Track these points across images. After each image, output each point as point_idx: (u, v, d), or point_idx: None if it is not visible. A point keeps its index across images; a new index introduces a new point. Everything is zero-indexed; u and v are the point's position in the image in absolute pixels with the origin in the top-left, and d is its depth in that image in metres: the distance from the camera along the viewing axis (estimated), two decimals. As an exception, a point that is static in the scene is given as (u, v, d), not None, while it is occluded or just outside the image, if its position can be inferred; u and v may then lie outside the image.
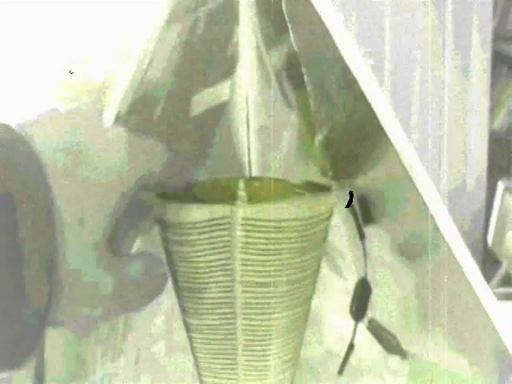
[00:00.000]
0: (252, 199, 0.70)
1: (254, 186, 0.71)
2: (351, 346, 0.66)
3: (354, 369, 0.66)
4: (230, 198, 0.70)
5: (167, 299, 0.67)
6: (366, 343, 0.65)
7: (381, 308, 0.64)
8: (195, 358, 0.62)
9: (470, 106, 1.82)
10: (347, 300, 0.66)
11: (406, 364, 0.63)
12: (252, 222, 0.56)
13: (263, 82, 0.75)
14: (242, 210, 0.56)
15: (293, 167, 0.75)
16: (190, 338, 0.61)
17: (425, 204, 0.56)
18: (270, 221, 0.56)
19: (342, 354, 0.67)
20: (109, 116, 0.63)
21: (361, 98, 0.57)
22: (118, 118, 0.63)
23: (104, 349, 0.66)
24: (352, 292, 0.65)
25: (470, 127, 1.82)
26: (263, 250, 0.57)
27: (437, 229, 0.56)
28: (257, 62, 0.74)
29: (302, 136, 0.73)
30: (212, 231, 0.57)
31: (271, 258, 0.57)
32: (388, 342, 0.63)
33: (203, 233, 0.57)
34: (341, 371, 0.66)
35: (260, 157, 0.78)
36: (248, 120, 0.78)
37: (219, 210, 0.56)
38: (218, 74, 0.76)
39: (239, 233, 0.56)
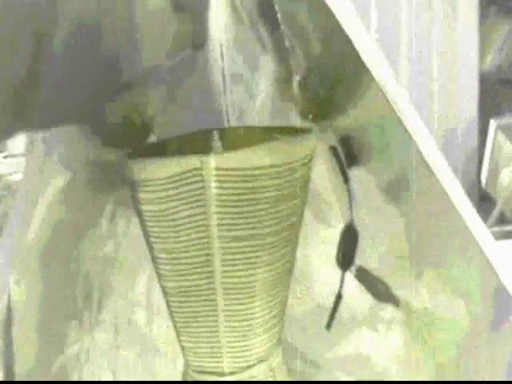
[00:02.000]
0: (232, 148, 0.66)
1: (230, 137, 0.67)
2: (339, 297, 0.62)
3: (345, 321, 0.63)
4: (205, 150, 0.66)
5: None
6: (356, 293, 0.61)
7: (369, 254, 0.60)
8: (174, 323, 0.58)
9: (459, 47, 1.77)
10: (335, 248, 0.63)
11: (399, 312, 0.59)
12: (225, 172, 0.52)
13: (236, 25, 0.70)
14: (214, 160, 0.51)
15: (272, 113, 0.71)
16: (168, 303, 0.58)
17: (410, 137, 0.52)
18: (244, 169, 0.52)
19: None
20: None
21: (339, 32, 0.52)
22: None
23: (78, 321, 0.62)
24: (338, 239, 0.62)
25: (460, 68, 1.77)
26: (239, 200, 0.52)
27: (424, 163, 0.51)
28: (228, 6, 0.69)
29: (279, 79, 0.68)
30: (183, 185, 0.53)
31: (248, 208, 0.53)
32: (378, 290, 0.60)
33: (173, 188, 0.53)
34: (329, 325, 0.62)
35: (237, 104, 0.74)
36: (223, 67, 0.73)
37: (189, 162, 0.52)
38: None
39: (213, 184, 0.52)
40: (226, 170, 0.52)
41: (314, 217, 0.63)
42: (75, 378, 0.65)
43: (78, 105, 0.58)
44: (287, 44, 0.63)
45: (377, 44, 0.53)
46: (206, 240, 0.53)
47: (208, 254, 0.54)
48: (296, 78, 0.63)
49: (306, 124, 0.64)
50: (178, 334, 0.58)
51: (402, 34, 1.66)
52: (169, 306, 0.58)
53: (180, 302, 0.57)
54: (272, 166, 0.53)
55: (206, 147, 0.66)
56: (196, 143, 0.66)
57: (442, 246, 0.52)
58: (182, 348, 0.58)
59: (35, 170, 0.56)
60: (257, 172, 0.52)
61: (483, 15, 1.80)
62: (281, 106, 0.70)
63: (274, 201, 0.54)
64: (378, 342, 0.63)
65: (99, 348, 0.65)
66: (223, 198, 0.52)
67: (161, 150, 0.63)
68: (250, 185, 0.52)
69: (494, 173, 1.46)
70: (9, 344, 0.53)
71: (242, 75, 0.73)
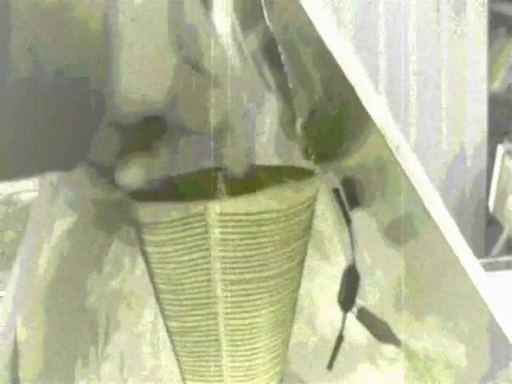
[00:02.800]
0: (235, 190, 0.67)
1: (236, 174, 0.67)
2: (340, 339, 0.63)
3: (348, 358, 0.64)
4: (210, 190, 0.67)
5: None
6: (359, 332, 0.62)
7: (370, 295, 0.61)
8: (178, 361, 0.59)
9: (468, 69, 1.78)
10: (337, 286, 0.63)
11: (400, 351, 0.60)
12: (229, 218, 0.53)
13: (240, 63, 0.72)
14: (218, 206, 0.53)
15: (276, 150, 0.72)
16: (172, 341, 0.59)
17: (412, 185, 0.53)
18: (247, 214, 0.53)
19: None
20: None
21: (340, 77, 0.54)
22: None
23: (84, 357, 0.63)
24: (340, 279, 0.62)
25: (469, 91, 1.78)
26: (242, 245, 0.54)
27: (425, 210, 0.52)
28: (232, 44, 0.71)
29: (283, 119, 0.69)
30: (187, 229, 0.54)
31: (252, 253, 0.54)
32: (379, 330, 0.60)
33: (177, 232, 0.54)
34: (330, 365, 0.63)
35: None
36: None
37: (193, 207, 0.53)
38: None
39: (216, 229, 0.53)
40: (230, 215, 0.53)
41: (318, 254, 0.64)
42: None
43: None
44: (291, 86, 0.65)
45: (380, 94, 0.54)
46: (209, 283, 0.55)
47: (211, 297, 0.55)
48: (299, 120, 0.64)
49: (309, 164, 0.65)
50: (182, 373, 0.59)
51: (410, 60, 1.67)
52: (173, 345, 0.59)
53: (184, 341, 0.58)
54: (275, 211, 0.54)
55: (211, 188, 0.67)
56: (201, 182, 0.67)
57: (441, 290, 0.53)
58: None
59: (42, 212, 0.58)
60: (260, 217, 0.53)
61: (492, 36, 1.81)
62: (285, 143, 0.71)
63: (277, 244, 0.55)
64: (380, 379, 0.64)
65: (104, 382, 0.66)
66: (226, 242, 0.53)
67: (167, 189, 0.64)
68: (253, 229, 0.53)
69: (502, 198, 1.47)
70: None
71: (247, 113, 0.74)
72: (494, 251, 1.46)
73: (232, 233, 0.53)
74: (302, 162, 0.67)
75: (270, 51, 0.66)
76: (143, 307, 0.71)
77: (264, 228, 0.54)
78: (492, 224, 1.55)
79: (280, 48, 0.65)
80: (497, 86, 1.90)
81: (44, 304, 0.58)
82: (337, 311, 0.63)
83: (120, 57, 0.55)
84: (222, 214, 0.53)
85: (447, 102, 1.74)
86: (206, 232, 0.53)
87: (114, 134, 0.58)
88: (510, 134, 1.75)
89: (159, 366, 0.68)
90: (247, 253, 0.54)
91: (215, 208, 0.53)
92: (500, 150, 1.48)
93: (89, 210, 0.63)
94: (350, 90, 0.54)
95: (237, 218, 0.53)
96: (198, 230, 0.54)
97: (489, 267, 1.14)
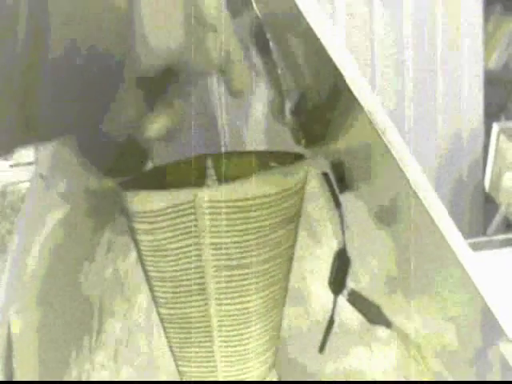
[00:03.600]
0: (226, 176, 0.67)
1: (224, 163, 0.68)
2: (331, 322, 0.63)
3: (340, 340, 0.64)
4: (200, 177, 0.67)
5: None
6: (350, 314, 0.62)
7: (361, 278, 0.61)
8: (171, 348, 0.60)
9: (464, 47, 1.77)
10: (328, 269, 0.64)
11: (392, 333, 0.60)
12: (218, 205, 0.53)
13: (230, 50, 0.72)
14: (207, 193, 0.53)
15: (266, 137, 0.72)
16: (164, 329, 0.59)
17: (399, 168, 0.53)
18: (236, 201, 0.53)
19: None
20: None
21: (328, 63, 0.54)
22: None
23: (78, 346, 0.64)
24: (330, 263, 0.63)
25: (464, 70, 1.77)
26: (233, 231, 0.54)
27: (413, 193, 0.52)
28: (225, 33, 0.70)
29: (272, 104, 0.69)
30: (177, 217, 0.54)
31: (242, 238, 0.54)
32: (371, 313, 0.61)
33: (168, 219, 0.54)
34: (322, 349, 0.64)
35: (233, 128, 0.75)
36: (219, 91, 0.74)
37: (182, 195, 0.53)
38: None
39: (206, 217, 0.53)
40: (219, 202, 0.53)
41: (308, 237, 0.64)
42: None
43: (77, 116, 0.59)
44: (279, 71, 0.65)
45: (361, 73, 0.54)
46: (199, 269, 0.55)
47: (202, 283, 0.55)
48: (288, 105, 0.64)
49: (300, 149, 0.65)
50: (175, 359, 0.60)
51: (405, 37, 1.66)
52: (166, 332, 0.60)
53: (176, 328, 0.59)
54: (264, 197, 0.54)
55: (201, 174, 0.67)
56: (192, 170, 0.67)
57: (431, 272, 0.53)
58: (179, 372, 0.60)
59: (34, 204, 0.58)
60: (249, 203, 0.53)
61: (488, 13, 1.80)
62: (275, 128, 0.71)
63: (267, 229, 0.55)
64: (373, 360, 0.64)
65: (98, 369, 0.67)
66: (216, 228, 0.54)
67: (158, 178, 0.64)
68: (242, 215, 0.54)
69: (497, 176, 1.47)
70: (9, 376, 0.55)
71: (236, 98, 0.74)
72: (490, 230, 1.46)
73: (222, 219, 0.53)
74: (292, 147, 0.67)
75: (258, 37, 0.66)
76: (137, 294, 0.71)
77: (253, 214, 0.54)
78: (490, 202, 1.55)
79: (268, 34, 0.65)
80: (492, 64, 1.89)
81: (37, 295, 0.58)
82: (328, 294, 0.64)
83: (141, 14, 0.59)
84: (211, 201, 0.53)
85: (443, 82, 1.74)
86: (196, 220, 0.53)
87: (138, 90, 0.63)
88: (505, 112, 1.75)
89: (154, 353, 0.69)
90: (237, 239, 0.54)
91: (204, 196, 0.53)
92: (495, 128, 1.47)
93: (82, 200, 0.63)
94: (338, 74, 0.54)
95: (226, 204, 0.53)
96: (188, 218, 0.54)
97: (484, 246, 1.14)
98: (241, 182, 0.53)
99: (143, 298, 0.70)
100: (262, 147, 0.71)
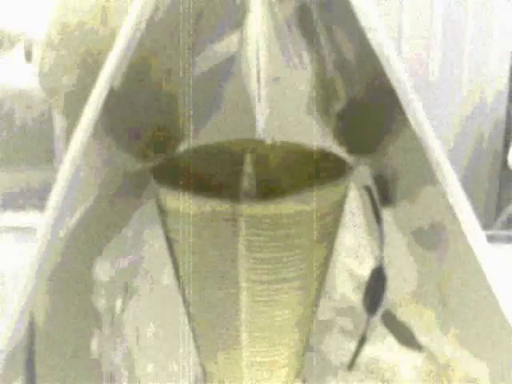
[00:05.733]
0: (262, 166, 0.65)
1: (265, 151, 0.65)
2: (363, 340, 0.62)
3: (368, 360, 0.63)
4: (237, 164, 0.65)
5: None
6: (380, 333, 0.62)
7: (396, 298, 0.60)
8: (197, 347, 0.59)
9: (492, 15, 1.72)
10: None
11: (420, 358, 0.60)
12: (256, 220, 0.51)
13: (274, 34, 0.68)
14: (245, 207, 0.51)
15: (305, 127, 0.69)
16: (192, 328, 0.59)
17: (444, 193, 0.51)
18: (274, 217, 0.52)
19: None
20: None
21: (380, 73, 0.51)
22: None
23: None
24: (366, 281, 0.61)
25: (492, 41, 1.73)
26: (267, 247, 0.52)
27: (455, 221, 0.50)
28: (268, 14, 0.67)
29: (315, 98, 0.67)
30: (214, 226, 0.53)
31: (276, 255, 0.53)
32: (403, 335, 0.60)
33: (204, 226, 0.53)
34: (351, 366, 0.63)
35: (271, 113, 0.72)
36: (259, 75, 0.71)
37: (221, 205, 0.52)
38: (227, 26, 0.69)
39: (243, 230, 0.52)
40: (257, 217, 0.51)
41: (344, 252, 0.63)
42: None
43: None
44: (327, 71, 0.62)
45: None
46: (233, 280, 0.54)
47: (234, 293, 0.54)
48: (335, 107, 0.61)
49: (341, 151, 0.62)
50: (202, 359, 0.60)
51: (434, 15, 1.62)
52: (193, 331, 0.59)
53: (204, 329, 0.58)
54: (303, 214, 0.52)
55: (240, 161, 0.65)
56: (228, 157, 0.65)
57: (469, 306, 0.52)
58: (205, 373, 0.60)
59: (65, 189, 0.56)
60: (287, 220, 0.52)
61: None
62: (315, 122, 0.68)
63: (304, 246, 0.54)
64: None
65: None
66: (252, 242, 0.52)
67: (190, 162, 0.62)
68: (279, 232, 0.52)
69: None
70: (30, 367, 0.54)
71: (279, 78, 0.71)
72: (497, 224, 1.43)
73: (258, 234, 0.52)
74: (327, 145, 0.64)
75: (304, 24, 0.63)
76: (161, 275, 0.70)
77: (291, 231, 0.52)
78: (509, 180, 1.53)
79: (316, 24, 0.61)
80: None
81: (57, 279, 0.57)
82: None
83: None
84: (249, 215, 0.51)
85: (469, 52, 1.69)
86: (234, 230, 0.52)
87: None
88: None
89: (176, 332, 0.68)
90: (273, 254, 0.53)
91: (242, 209, 0.51)
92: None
93: (110, 186, 0.61)
94: (388, 85, 0.51)
95: (263, 220, 0.52)
96: (225, 227, 0.52)
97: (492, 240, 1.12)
98: (282, 201, 0.51)
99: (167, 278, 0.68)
100: (297, 138, 0.68)
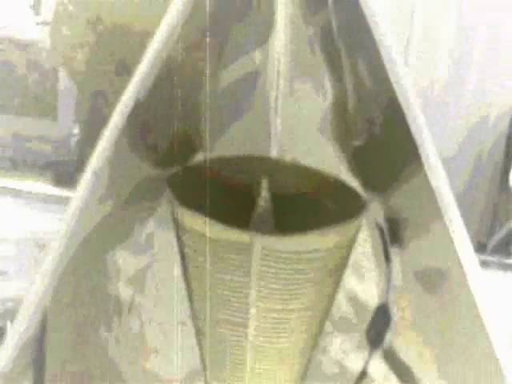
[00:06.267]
0: (278, 185, 0.65)
1: (281, 173, 0.66)
2: (363, 374, 0.64)
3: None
4: (253, 180, 0.65)
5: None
6: (380, 370, 0.63)
7: (397, 337, 0.61)
8: (203, 359, 0.61)
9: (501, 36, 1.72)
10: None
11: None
12: (271, 253, 0.53)
13: (296, 54, 0.69)
14: (262, 240, 0.53)
15: (319, 148, 0.70)
16: (198, 340, 0.61)
17: (451, 239, 0.52)
18: (290, 253, 0.53)
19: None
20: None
21: (400, 112, 0.52)
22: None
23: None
24: (371, 317, 0.63)
25: (499, 54, 1.74)
26: (279, 279, 0.54)
27: (460, 270, 0.52)
28: (292, 33, 0.68)
29: (334, 125, 0.67)
30: (230, 252, 0.54)
31: (287, 287, 0.55)
32: (403, 373, 0.61)
33: (220, 252, 0.55)
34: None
35: (287, 132, 0.73)
36: (277, 92, 0.72)
37: (239, 235, 0.53)
38: (253, 42, 0.70)
39: (257, 261, 0.53)
40: (272, 250, 0.53)
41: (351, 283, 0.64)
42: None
43: None
44: (349, 105, 0.63)
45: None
46: (243, 305, 0.56)
47: (244, 318, 0.56)
48: (357, 142, 0.63)
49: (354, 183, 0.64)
50: (207, 370, 0.62)
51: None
52: (199, 343, 0.61)
53: (210, 343, 0.60)
54: (315, 251, 0.54)
55: (256, 176, 0.65)
56: (245, 171, 0.66)
57: (468, 351, 0.53)
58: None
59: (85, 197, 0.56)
60: (300, 256, 0.54)
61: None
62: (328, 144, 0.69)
63: (315, 280, 0.56)
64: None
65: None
66: (265, 274, 0.54)
67: (204, 174, 0.63)
68: (292, 266, 0.54)
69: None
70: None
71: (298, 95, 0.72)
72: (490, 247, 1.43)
73: (271, 266, 0.54)
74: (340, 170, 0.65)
75: (327, 46, 0.64)
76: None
77: (303, 266, 0.54)
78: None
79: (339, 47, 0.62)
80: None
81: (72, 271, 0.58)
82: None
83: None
84: (265, 248, 0.53)
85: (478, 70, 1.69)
86: (249, 260, 0.54)
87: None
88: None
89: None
90: (283, 286, 0.55)
91: (260, 242, 0.53)
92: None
93: (126, 192, 0.61)
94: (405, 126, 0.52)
95: (277, 254, 0.53)
96: (241, 256, 0.54)
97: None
98: (298, 237, 0.53)
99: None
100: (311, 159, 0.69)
